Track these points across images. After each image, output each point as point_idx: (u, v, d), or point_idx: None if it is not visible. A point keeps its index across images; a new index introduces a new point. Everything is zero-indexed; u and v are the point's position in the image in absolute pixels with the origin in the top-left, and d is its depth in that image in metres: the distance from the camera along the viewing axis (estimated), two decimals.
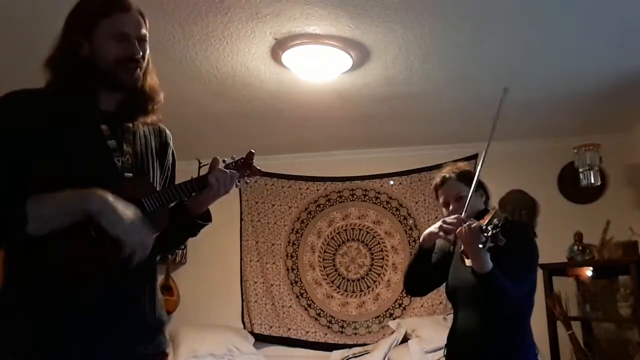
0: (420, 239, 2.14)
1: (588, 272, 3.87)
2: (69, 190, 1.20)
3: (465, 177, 2.07)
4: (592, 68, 3.04)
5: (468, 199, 1.95)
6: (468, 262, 1.90)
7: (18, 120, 1.26)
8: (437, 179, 2.14)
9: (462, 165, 2.20)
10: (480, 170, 2.01)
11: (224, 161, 1.52)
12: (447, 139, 4.25)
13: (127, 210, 1.22)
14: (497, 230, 1.68)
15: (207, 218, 1.51)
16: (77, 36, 1.32)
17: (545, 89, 3.32)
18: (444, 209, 2.11)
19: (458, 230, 1.83)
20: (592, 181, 3.79)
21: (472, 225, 1.77)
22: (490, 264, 1.77)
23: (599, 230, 3.77)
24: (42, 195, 1.18)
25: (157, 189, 1.42)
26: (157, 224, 1.33)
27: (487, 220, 1.82)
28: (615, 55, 2.88)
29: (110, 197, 1.21)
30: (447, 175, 2.10)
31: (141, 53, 1.35)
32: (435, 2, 2.35)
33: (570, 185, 4.13)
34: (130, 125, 1.42)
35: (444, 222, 1.99)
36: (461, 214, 1.95)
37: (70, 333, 1.23)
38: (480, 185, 2.08)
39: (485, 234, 1.70)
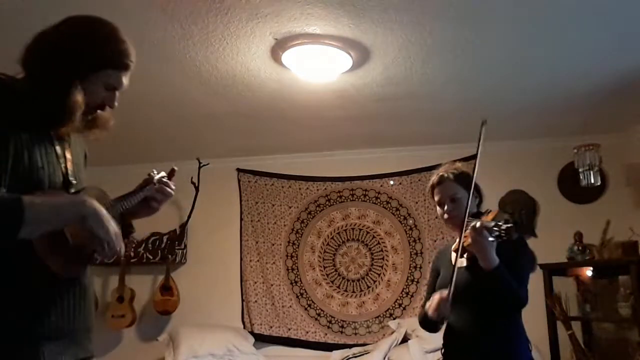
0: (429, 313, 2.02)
1: (588, 272, 3.87)
2: (55, 195, 1.27)
3: (462, 179, 2.07)
4: (592, 68, 3.05)
5: (468, 203, 1.96)
6: (460, 261, 1.96)
7: None
8: (434, 178, 2.14)
9: (460, 165, 2.20)
10: (475, 177, 2.02)
11: (149, 174, 1.57)
12: (447, 139, 4.25)
13: (109, 218, 1.30)
14: (510, 225, 1.76)
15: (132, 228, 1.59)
16: (77, 70, 1.32)
17: (545, 89, 3.33)
18: (437, 208, 2.13)
19: (465, 234, 1.89)
20: (592, 181, 3.79)
21: (477, 225, 1.83)
22: (497, 259, 1.84)
23: (599, 230, 3.77)
24: (32, 197, 1.19)
25: None
26: None
27: (491, 218, 1.89)
28: (615, 55, 2.88)
29: (97, 204, 1.28)
30: (445, 175, 2.10)
31: (116, 103, 1.42)
32: (435, 2, 2.35)
33: (570, 185, 4.14)
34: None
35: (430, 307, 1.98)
36: (458, 215, 1.99)
37: (42, 335, 1.27)
38: (475, 188, 2.09)
39: (496, 229, 1.78)
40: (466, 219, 1.93)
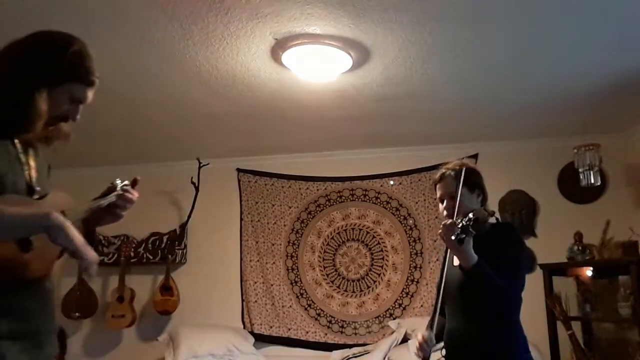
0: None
1: (588, 272, 3.87)
2: (22, 203, 1.29)
3: (463, 178, 2.05)
4: (592, 68, 3.05)
5: (456, 201, 1.97)
6: (456, 261, 1.96)
7: None
8: (437, 174, 2.15)
9: (467, 162, 2.18)
10: (460, 191, 2.00)
11: (112, 183, 1.58)
12: (447, 139, 4.25)
13: (74, 230, 1.30)
14: (468, 222, 1.77)
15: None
16: (43, 80, 1.36)
17: (545, 89, 3.33)
18: (439, 204, 2.14)
19: (439, 232, 1.90)
20: (592, 181, 3.79)
21: (448, 222, 1.86)
22: (474, 257, 1.84)
23: (599, 230, 3.76)
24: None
25: None
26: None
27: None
28: (615, 55, 2.88)
29: (61, 218, 1.28)
30: (446, 173, 2.10)
31: (78, 116, 1.46)
32: (435, 2, 2.35)
33: (570, 185, 4.13)
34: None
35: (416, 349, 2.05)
36: (454, 212, 1.99)
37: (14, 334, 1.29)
38: (477, 186, 2.10)
39: (459, 227, 1.79)
40: (455, 218, 1.92)
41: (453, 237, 1.80)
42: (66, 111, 1.43)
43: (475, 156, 4.26)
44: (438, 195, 2.13)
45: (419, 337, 2.05)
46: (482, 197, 2.12)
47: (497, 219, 2.02)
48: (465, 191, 2.02)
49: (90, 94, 1.46)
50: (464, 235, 1.78)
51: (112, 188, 1.56)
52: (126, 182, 1.60)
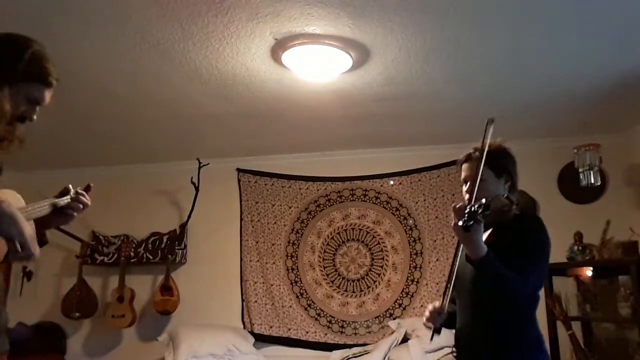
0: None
1: (588, 272, 3.87)
2: None
3: (490, 159, 1.86)
4: (592, 68, 3.05)
5: (475, 186, 1.78)
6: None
7: None
8: (463, 155, 1.98)
9: (499, 141, 1.99)
10: (479, 176, 1.82)
11: (66, 187, 1.58)
12: (447, 139, 4.25)
13: (24, 220, 1.30)
14: (478, 208, 1.58)
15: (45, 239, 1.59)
16: (2, 78, 1.36)
17: (545, 89, 3.33)
18: (463, 186, 1.97)
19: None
20: (592, 181, 3.79)
21: (458, 206, 1.69)
22: (483, 248, 1.68)
23: (599, 230, 3.76)
24: None
25: None
26: None
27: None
28: (615, 55, 2.88)
29: (12, 207, 1.27)
30: (474, 153, 1.94)
31: (35, 117, 1.45)
32: (435, 2, 2.35)
33: (570, 185, 4.13)
34: None
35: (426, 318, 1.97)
36: (472, 197, 1.81)
37: None
38: (505, 170, 1.93)
39: (467, 212, 1.60)
40: (473, 202, 1.70)
41: (460, 223, 1.61)
42: (23, 112, 1.43)
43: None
44: (462, 176, 1.95)
45: (430, 307, 1.92)
46: (510, 184, 1.94)
47: (508, 200, 1.84)
48: (491, 175, 1.86)
49: (48, 96, 1.46)
50: (471, 222, 1.58)
51: (65, 192, 1.57)
52: (79, 188, 1.61)
